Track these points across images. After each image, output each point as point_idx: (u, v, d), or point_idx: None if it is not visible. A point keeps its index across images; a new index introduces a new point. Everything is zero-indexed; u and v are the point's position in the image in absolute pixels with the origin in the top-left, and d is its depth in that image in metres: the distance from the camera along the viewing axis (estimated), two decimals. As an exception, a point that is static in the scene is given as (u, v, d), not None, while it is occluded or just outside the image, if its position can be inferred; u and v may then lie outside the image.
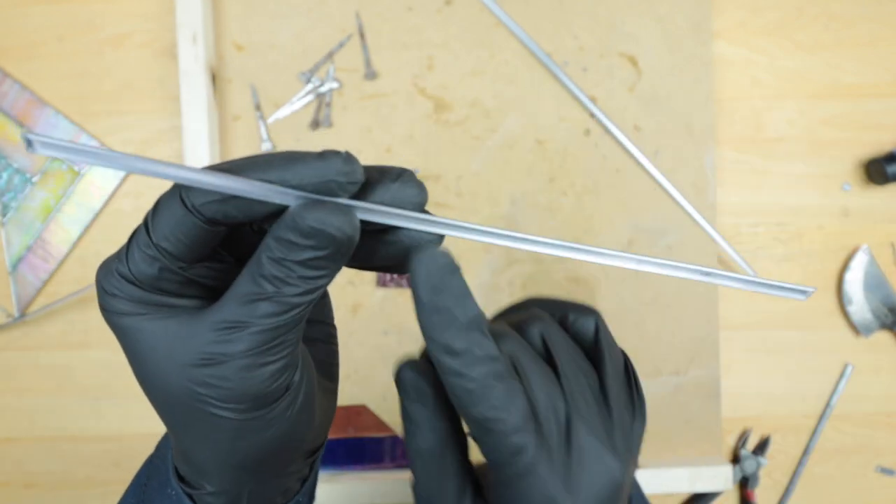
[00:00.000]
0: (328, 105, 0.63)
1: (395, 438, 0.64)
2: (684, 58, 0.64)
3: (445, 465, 0.28)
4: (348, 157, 0.22)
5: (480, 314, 0.24)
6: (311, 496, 0.33)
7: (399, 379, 0.26)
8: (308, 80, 0.63)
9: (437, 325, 0.24)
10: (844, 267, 0.65)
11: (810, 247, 0.65)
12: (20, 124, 0.64)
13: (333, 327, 0.32)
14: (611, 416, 0.27)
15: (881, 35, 0.65)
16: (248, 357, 0.23)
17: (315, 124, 0.63)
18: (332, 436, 0.64)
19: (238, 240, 0.26)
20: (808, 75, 0.65)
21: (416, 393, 0.26)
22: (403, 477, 0.63)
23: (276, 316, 0.23)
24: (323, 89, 0.63)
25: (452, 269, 0.24)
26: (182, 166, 0.21)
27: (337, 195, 0.22)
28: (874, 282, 0.64)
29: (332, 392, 0.31)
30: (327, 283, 0.23)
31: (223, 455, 0.25)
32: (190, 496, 0.28)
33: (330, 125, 0.63)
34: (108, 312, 0.24)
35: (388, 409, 0.64)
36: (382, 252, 0.25)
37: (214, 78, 0.62)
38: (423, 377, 0.26)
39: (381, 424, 0.64)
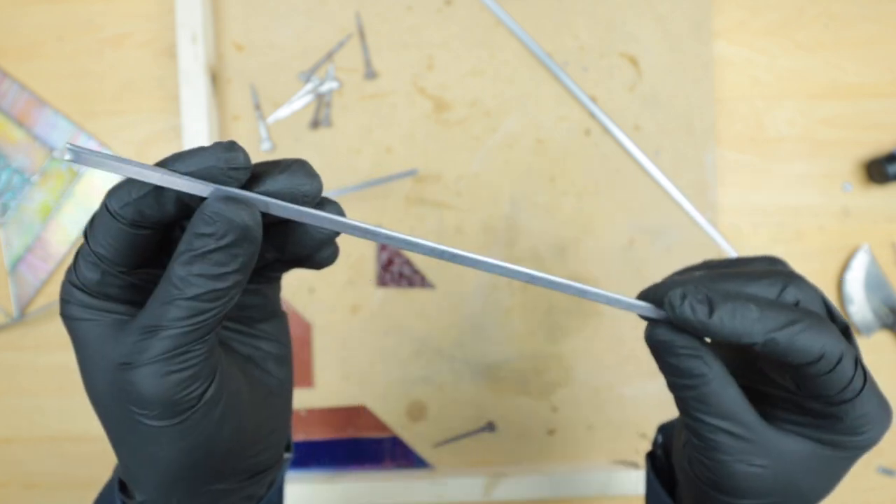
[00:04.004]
0: (328, 105, 0.63)
1: (394, 438, 0.64)
2: (684, 58, 0.64)
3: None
4: (230, 145, 0.24)
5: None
6: None
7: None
8: (308, 80, 0.63)
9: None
10: (845, 267, 0.65)
11: (810, 247, 0.65)
12: (20, 124, 0.64)
13: (287, 347, 0.33)
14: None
15: (881, 35, 0.65)
16: (157, 363, 0.24)
17: (315, 124, 0.63)
18: (331, 436, 0.64)
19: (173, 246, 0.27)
20: (809, 75, 0.65)
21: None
22: (403, 477, 0.63)
23: (183, 320, 0.24)
24: (323, 89, 0.63)
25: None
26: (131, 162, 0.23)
27: (223, 182, 0.24)
28: (875, 282, 0.64)
29: (282, 412, 0.32)
30: (230, 288, 0.24)
31: (146, 462, 0.26)
32: None
33: (330, 125, 0.63)
34: (63, 317, 0.26)
35: (388, 409, 0.64)
36: (292, 245, 0.27)
37: (214, 78, 0.62)
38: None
39: (380, 424, 0.64)
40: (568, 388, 0.64)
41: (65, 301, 0.26)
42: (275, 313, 0.32)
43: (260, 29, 0.63)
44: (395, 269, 0.63)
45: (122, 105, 0.64)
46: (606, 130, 0.63)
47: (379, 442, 0.64)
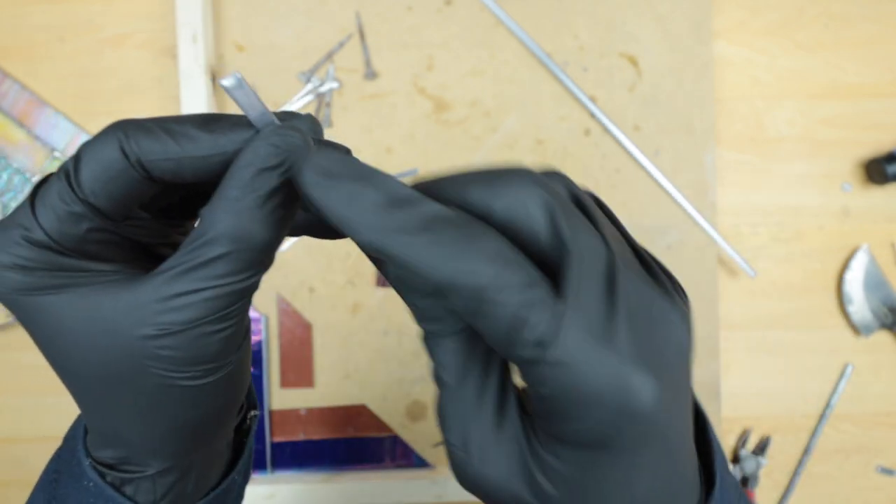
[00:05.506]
0: (328, 105, 0.63)
1: (394, 438, 0.64)
2: (684, 58, 0.64)
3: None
4: (315, 119, 0.22)
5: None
6: (247, 474, 0.32)
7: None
8: (308, 80, 0.63)
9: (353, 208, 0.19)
10: (844, 267, 0.65)
11: (810, 247, 0.65)
12: (20, 124, 0.64)
13: None
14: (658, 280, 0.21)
15: (881, 35, 0.65)
16: (202, 325, 0.21)
17: (315, 124, 0.63)
18: (331, 435, 0.64)
19: (159, 194, 0.23)
20: (808, 75, 0.65)
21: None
22: (403, 477, 0.63)
23: (232, 276, 0.20)
24: (323, 89, 0.63)
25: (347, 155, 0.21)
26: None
27: None
28: (874, 282, 0.64)
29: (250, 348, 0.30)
30: (283, 234, 0.21)
31: (174, 426, 0.24)
32: (115, 486, 0.25)
33: (330, 125, 0.63)
34: (12, 292, 0.21)
35: (388, 409, 0.64)
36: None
37: (214, 78, 0.62)
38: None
39: (381, 424, 0.64)
40: (568, 387, 0.64)
41: (11, 268, 0.20)
42: None
43: (260, 29, 0.63)
44: (395, 269, 0.63)
45: (122, 105, 0.64)
46: (606, 130, 0.63)
47: (379, 441, 0.64)
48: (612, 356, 0.17)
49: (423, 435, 0.64)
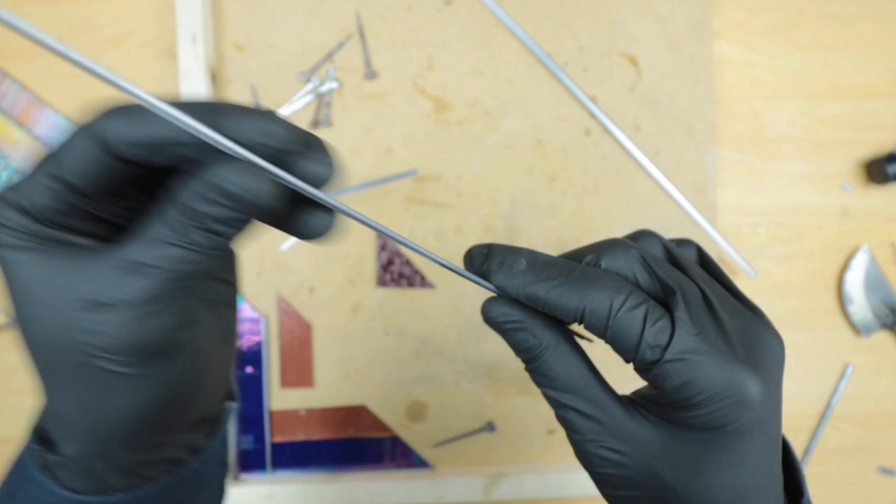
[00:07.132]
0: (328, 105, 0.63)
1: (394, 438, 0.64)
2: (684, 58, 0.64)
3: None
4: (275, 121, 0.22)
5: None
6: (223, 465, 0.31)
7: (490, 316, 0.26)
8: (308, 80, 0.63)
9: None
10: (845, 267, 0.65)
11: (810, 247, 0.65)
12: (20, 124, 0.64)
13: (236, 289, 0.30)
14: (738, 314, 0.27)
15: (881, 35, 0.65)
16: (143, 305, 0.21)
17: (315, 124, 0.63)
18: (331, 436, 0.64)
19: (149, 176, 0.24)
20: (808, 75, 0.65)
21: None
22: (403, 477, 0.63)
23: (182, 263, 0.21)
24: (323, 89, 0.63)
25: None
26: (150, 95, 0.19)
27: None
28: (874, 282, 0.64)
29: (228, 359, 0.29)
30: (231, 241, 0.22)
31: (94, 411, 0.23)
32: (43, 465, 0.26)
33: (330, 125, 0.63)
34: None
35: (388, 409, 0.64)
36: (292, 221, 0.24)
37: (214, 78, 0.62)
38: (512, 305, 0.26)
39: (380, 424, 0.64)
40: (568, 388, 0.64)
41: (1, 225, 0.21)
42: (229, 250, 0.29)
43: (260, 29, 0.63)
44: (395, 269, 0.63)
45: (122, 105, 0.64)
46: (606, 130, 0.63)
47: (379, 442, 0.64)
48: (722, 355, 0.24)
49: (423, 435, 0.64)
